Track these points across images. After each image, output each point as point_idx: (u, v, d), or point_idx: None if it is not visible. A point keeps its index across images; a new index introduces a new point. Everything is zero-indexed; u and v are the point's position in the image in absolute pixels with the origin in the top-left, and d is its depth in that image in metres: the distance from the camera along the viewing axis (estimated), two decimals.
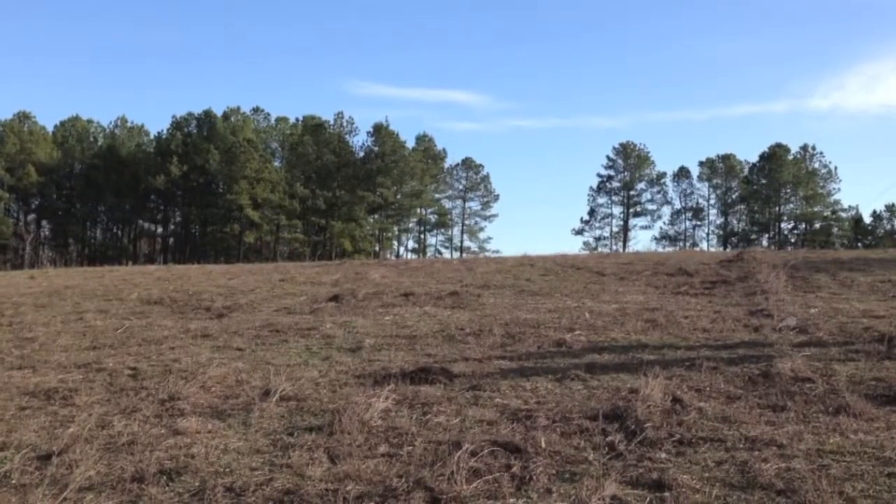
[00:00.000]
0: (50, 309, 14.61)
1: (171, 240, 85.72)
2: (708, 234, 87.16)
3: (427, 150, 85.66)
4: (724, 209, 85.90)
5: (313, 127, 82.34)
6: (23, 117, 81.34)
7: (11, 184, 75.85)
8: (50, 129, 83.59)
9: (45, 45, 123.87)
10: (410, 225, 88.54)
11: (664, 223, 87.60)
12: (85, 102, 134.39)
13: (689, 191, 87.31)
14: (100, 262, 56.74)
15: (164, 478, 4.61)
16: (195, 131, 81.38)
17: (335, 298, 13.79)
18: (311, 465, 4.76)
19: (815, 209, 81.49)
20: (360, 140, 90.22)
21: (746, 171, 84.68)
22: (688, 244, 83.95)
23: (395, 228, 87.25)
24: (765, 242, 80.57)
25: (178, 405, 6.37)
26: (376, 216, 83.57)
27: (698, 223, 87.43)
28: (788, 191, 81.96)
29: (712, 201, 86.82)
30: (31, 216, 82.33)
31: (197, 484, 4.49)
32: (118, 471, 4.75)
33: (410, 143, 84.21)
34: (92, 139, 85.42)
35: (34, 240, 78.90)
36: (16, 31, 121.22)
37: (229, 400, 6.56)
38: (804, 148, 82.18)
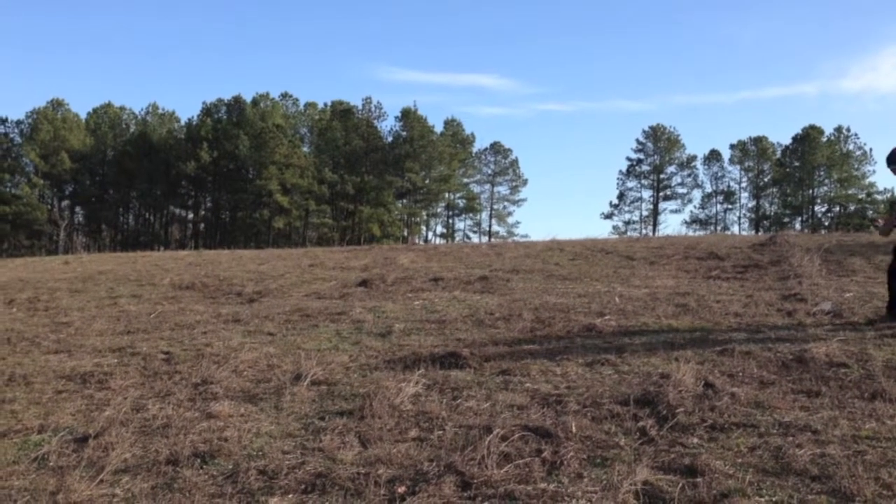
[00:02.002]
0: (84, 294, 14.83)
1: (202, 225, 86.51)
2: (739, 218, 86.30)
3: (455, 134, 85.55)
4: (756, 192, 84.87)
5: (342, 112, 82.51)
6: (56, 105, 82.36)
7: (45, 170, 76.98)
8: (83, 116, 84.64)
9: (78, 35, 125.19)
10: (439, 210, 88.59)
11: (695, 207, 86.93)
12: (117, 90, 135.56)
13: (720, 174, 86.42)
14: (132, 248, 57.46)
15: (198, 460, 4.66)
16: (225, 117, 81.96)
17: (364, 283, 13.84)
18: (343, 448, 4.79)
19: (850, 192, 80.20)
20: (388, 125, 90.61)
21: (779, 153, 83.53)
22: (719, 228, 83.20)
23: (424, 213, 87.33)
24: (798, 226, 79.56)
25: (210, 389, 6.44)
26: (405, 201, 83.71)
27: (730, 207, 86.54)
28: (822, 173, 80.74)
29: (744, 184, 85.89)
30: (65, 202, 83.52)
31: (230, 467, 4.53)
32: (153, 453, 4.82)
33: (438, 128, 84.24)
34: (124, 126, 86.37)
35: (68, 226, 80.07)
36: (49, 22, 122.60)
37: (261, 384, 6.61)
38: (838, 129, 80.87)
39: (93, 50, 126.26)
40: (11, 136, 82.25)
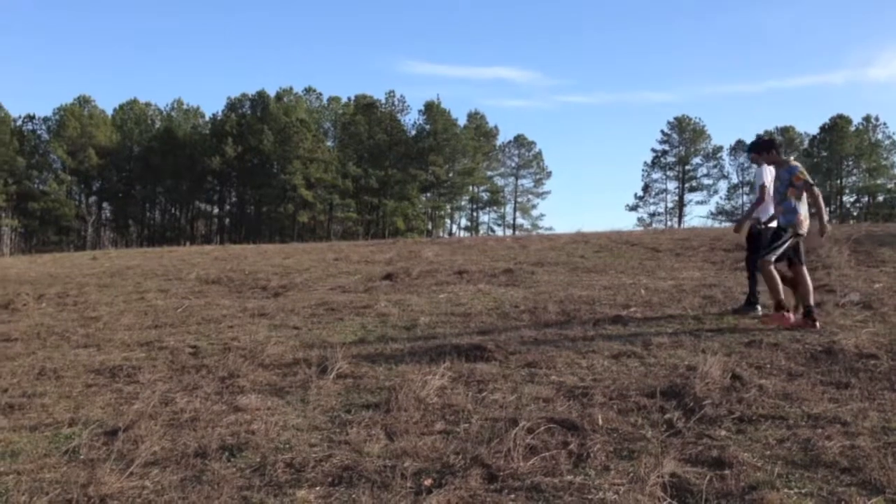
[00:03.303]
0: (112, 289, 14.98)
1: (227, 220, 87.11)
2: None
3: (479, 127, 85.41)
4: None
5: (365, 106, 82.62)
6: (83, 101, 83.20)
7: (73, 167, 77.86)
8: (109, 112, 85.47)
9: (103, 32, 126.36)
10: (463, 203, 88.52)
11: (721, 198, 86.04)
12: (142, 85, 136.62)
13: (746, 164, 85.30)
14: (159, 243, 57.93)
15: (226, 453, 4.70)
16: (249, 112, 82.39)
17: (389, 277, 13.88)
18: (369, 441, 4.81)
19: (879, 181, 79.16)
20: (411, 118, 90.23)
21: (806, 143, 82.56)
22: None
23: (448, 206, 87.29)
24: (826, 216, 78.58)
25: (237, 383, 6.48)
26: (429, 194, 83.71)
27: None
28: (850, 163, 79.76)
29: None
30: (93, 198, 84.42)
31: (258, 459, 4.56)
32: (181, 446, 4.86)
33: (462, 121, 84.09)
34: (149, 122, 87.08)
35: (95, 221, 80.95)
36: (74, 19, 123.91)
37: (287, 377, 6.65)
38: (866, 119, 79.80)
39: (118, 47, 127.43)
40: (39, 132, 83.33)
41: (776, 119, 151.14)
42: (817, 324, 7.67)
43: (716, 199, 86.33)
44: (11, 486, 4.29)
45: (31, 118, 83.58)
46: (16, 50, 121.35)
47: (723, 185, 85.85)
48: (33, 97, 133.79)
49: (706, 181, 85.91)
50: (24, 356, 8.40)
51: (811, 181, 7.96)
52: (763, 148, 8.39)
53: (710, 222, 77.81)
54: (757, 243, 8.61)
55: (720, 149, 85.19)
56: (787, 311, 7.80)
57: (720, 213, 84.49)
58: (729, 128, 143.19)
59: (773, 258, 7.93)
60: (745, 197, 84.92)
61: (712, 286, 10.66)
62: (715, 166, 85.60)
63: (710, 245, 16.76)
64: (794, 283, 8.17)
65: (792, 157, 8.27)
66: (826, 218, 8.04)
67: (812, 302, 7.90)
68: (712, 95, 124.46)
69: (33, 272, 20.07)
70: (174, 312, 11.25)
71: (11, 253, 69.27)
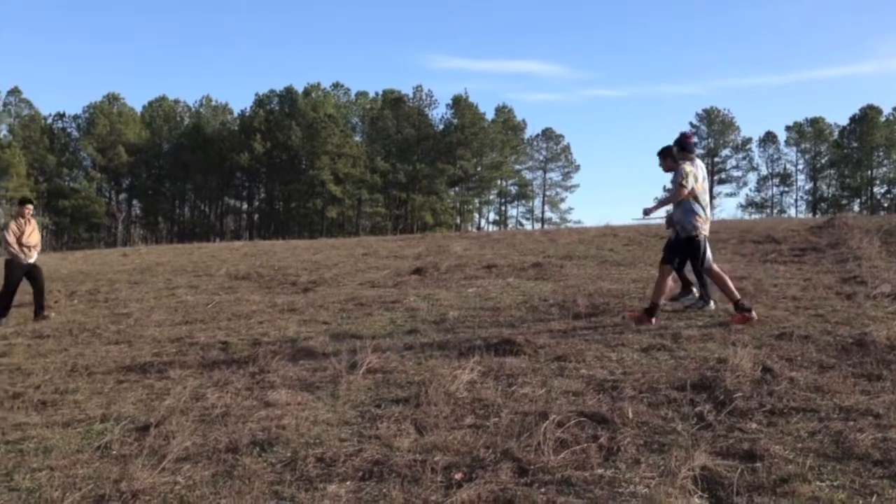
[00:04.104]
0: (143, 285, 15.15)
1: (256, 216, 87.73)
2: (796, 201, 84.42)
3: (506, 121, 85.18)
4: (813, 174, 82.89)
5: (393, 101, 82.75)
6: (112, 99, 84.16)
7: (103, 164, 78.80)
8: (138, 109, 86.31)
9: (132, 30, 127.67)
10: (491, 197, 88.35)
11: (750, 190, 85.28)
12: (170, 83, 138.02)
13: (775, 156, 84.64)
14: (188, 239, 58.54)
15: (257, 448, 4.73)
16: (277, 108, 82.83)
17: (418, 271, 13.89)
18: (399, 436, 4.81)
19: None
20: (439, 113, 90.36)
21: (836, 134, 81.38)
22: (775, 211, 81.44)
23: (476, 201, 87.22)
24: (856, 208, 77.49)
25: (267, 378, 6.53)
26: (457, 189, 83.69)
27: (786, 189, 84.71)
28: (881, 154, 78.57)
29: (800, 166, 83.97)
30: (123, 195, 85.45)
31: (289, 454, 4.59)
32: (213, 441, 4.89)
33: (490, 115, 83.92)
34: (178, 119, 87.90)
35: (126, 218, 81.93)
36: (104, 18, 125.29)
37: (317, 373, 6.68)
38: None
39: (147, 44, 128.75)
40: (69, 130, 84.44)
41: (806, 110, 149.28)
42: (653, 321, 7.79)
43: (745, 191, 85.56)
44: (45, 482, 4.35)
45: (61, 116, 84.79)
46: (46, 49, 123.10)
47: (752, 177, 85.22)
48: (63, 95, 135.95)
49: (735, 173, 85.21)
50: (57, 353, 8.52)
51: (682, 182, 7.99)
52: (665, 157, 8.44)
53: (739, 214, 76.97)
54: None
55: (749, 140, 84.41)
56: (749, 310, 7.69)
57: (750, 204, 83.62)
58: (758, 119, 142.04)
59: (709, 262, 8.04)
60: (774, 189, 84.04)
61: (742, 278, 10.54)
62: (744, 158, 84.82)
63: (739, 237, 16.59)
64: (659, 279, 8.22)
65: (686, 162, 8.22)
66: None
67: (660, 301, 7.99)
68: (741, 87, 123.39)
69: (65, 269, 20.35)
70: (204, 308, 11.35)
71: (43, 250, 70.37)
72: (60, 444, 5.10)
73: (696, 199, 8.04)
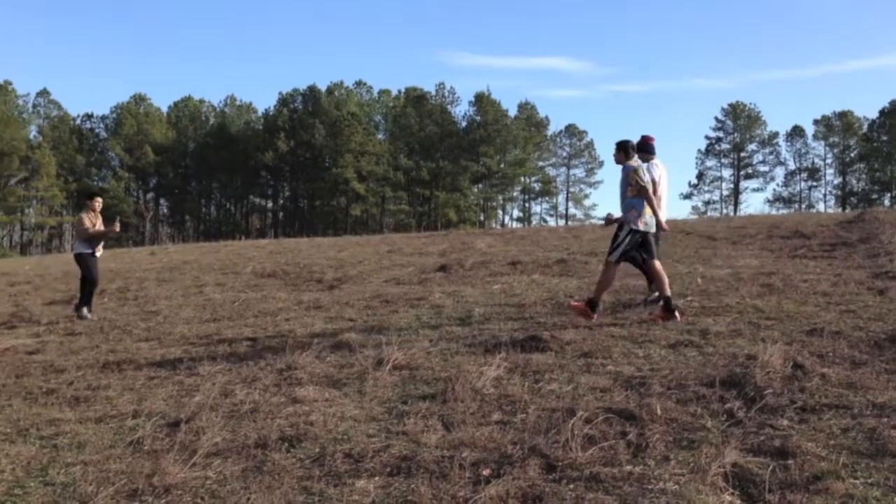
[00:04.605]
0: (171, 283, 15.30)
1: (281, 214, 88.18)
2: (825, 195, 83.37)
3: (529, 118, 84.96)
4: (842, 168, 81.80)
5: (415, 98, 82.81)
6: (139, 99, 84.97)
7: (130, 164, 79.60)
8: (164, 109, 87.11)
9: (157, 31, 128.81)
10: (514, 194, 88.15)
11: (777, 185, 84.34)
12: (196, 83, 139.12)
13: (803, 150, 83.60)
14: (214, 238, 58.91)
15: (286, 444, 4.76)
16: (301, 107, 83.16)
17: (443, 268, 13.90)
18: (426, 432, 4.82)
19: None
20: (461, 110, 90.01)
21: (865, 128, 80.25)
22: (803, 206, 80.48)
23: (500, 197, 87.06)
24: (887, 202, 76.32)
25: (295, 374, 6.56)
26: (480, 186, 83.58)
27: (814, 184, 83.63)
28: None
29: (829, 161, 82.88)
30: (150, 195, 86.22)
31: (317, 450, 4.61)
32: (242, 437, 4.93)
33: (512, 112, 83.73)
34: (203, 118, 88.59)
35: (153, 217, 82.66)
36: (130, 22, 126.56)
37: (344, 369, 6.70)
38: None
39: (172, 46, 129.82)
40: (97, 131, 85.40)
41: (834, 103, 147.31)
42: (677, 315, 7.86)
43: (772, 185, 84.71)
44: (79, 477, 4.41)
45: (89, 117, 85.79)
46: (73, 51, 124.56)
47: (780, 172, 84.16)
48: (91, 96, 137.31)
49: (762, 168, 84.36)
50: (88, 350, 8.62)
51: (642, 182, 8.11)
52: (619, 150, 8.56)
53: (767, 209, 76.22)
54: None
55: (776, 135, 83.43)
56: (594, 311, 8.10)
57: (777, 199, 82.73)
58: (785, 113, 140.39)
59: (615, 258, 8.24)
60: (802, 183, 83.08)
61: (771, 274, 10.44)
62: (771, 153, 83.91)
63: (767, 233, 16.43)
64: (649, 278, 8.53)
65: (636, 159, 8.40)
66: (662, 216, 8.43)
67: (669, 293, 8.03)
68: (767, 81, 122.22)
69: None
70: (231, 306, 11.44)
71: (72, 249, 71.24)
72: (94, 439, 5.17)
73: (642, 195, 8.14)
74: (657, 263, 8.24)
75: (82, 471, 4.52)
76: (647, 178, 8.22)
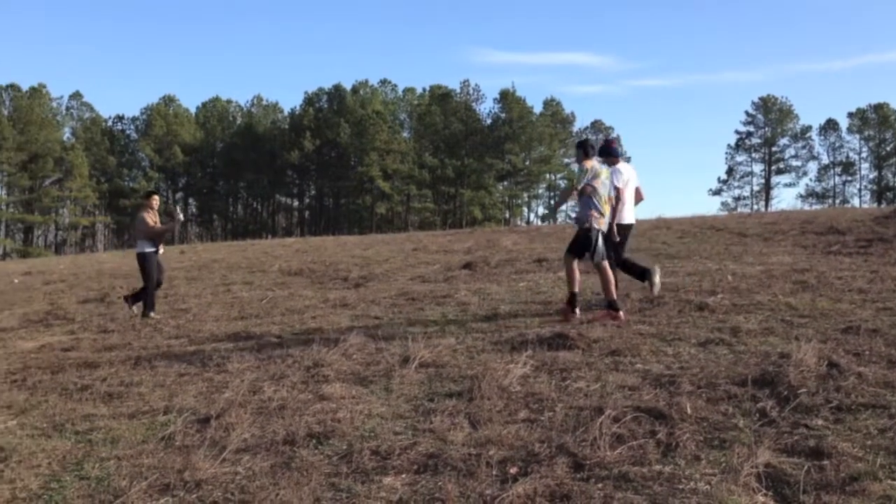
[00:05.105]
0: (200, 282, 15.43)
1: (307, 213, 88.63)
2: (860, 190, 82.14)
3: (555, 114, 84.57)
4: (878, 162, 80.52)
5: (440, 96, 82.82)
6: (168, 101, 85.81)
7: (160, 164, 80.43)
8: (192, 110, 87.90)
9: (185, 34, 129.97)
10: (540, 191, 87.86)
11: (810, 180, 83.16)
12: (223, 83, 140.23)
13: (837, 144, 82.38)
14: (242, 237, 59.37)
15: (314, 441, 4.77)
16: (326, 106, 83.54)
17: (468, 266, 13.88)
18: (453, 430, 4.80)
19: None
20: (486, 107, 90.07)
21: None
22: (837, 201, 79.31)
23: (525, 195, 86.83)
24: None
25: (322, 372, 6.57)
26: (505, 183, 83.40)
27: (849, 178, 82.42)
28: None
29: (864, 154, 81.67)
30: (179, 194, 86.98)
31: (344, 447, 4.62)
32: (270, 434, 4.95)
33: (538, 109, 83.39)
34: (231, 118, 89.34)
35: (187, 218, 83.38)
36: (159, 23, 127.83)
37: (370, 367, 6.71)
38: None
39: (199, 48, 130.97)
40: (128, 132, 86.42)
41: (869, 96, 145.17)
42: (621, 314, 8.02)
43: (805, 180, 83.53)
44: (113, 471, 4.46)
45: (120, 118, 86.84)
46: (105, 54, 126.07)
47: (812, 167, 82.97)
48: (122, 98, 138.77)
49: (794, 163, 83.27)
50: (121, 347, 8.72)
51: (590, 184, 8.26)
52: (578, 148, 8.72)
53: (799, 205, 75.31)
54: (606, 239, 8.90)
55: (809, 128, 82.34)
56: (572, 310, 8.31)
57: (810, 195, 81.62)
58: (818, 107, 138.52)
59: (599, 258, 8.31)
60: (836, 178, 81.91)
61: (804, 271, 10.30)
62: (804, 147, 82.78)
63: (800, 228, 16.21)
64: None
65: (593, 160, 8.52)
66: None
67: (614, 296, 8.18)
68: (799, 73, 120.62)
69: (126, 267, 20.80)
70: (259, 304, 11.50)
71: (105, 248, 72.19)
72: (127, 434, 5.23)
73: (595, 195, 8.28)
74: (605, 264, 8.37)
75: (116, 465, 4.57)
76: (604, 178, 8.40)
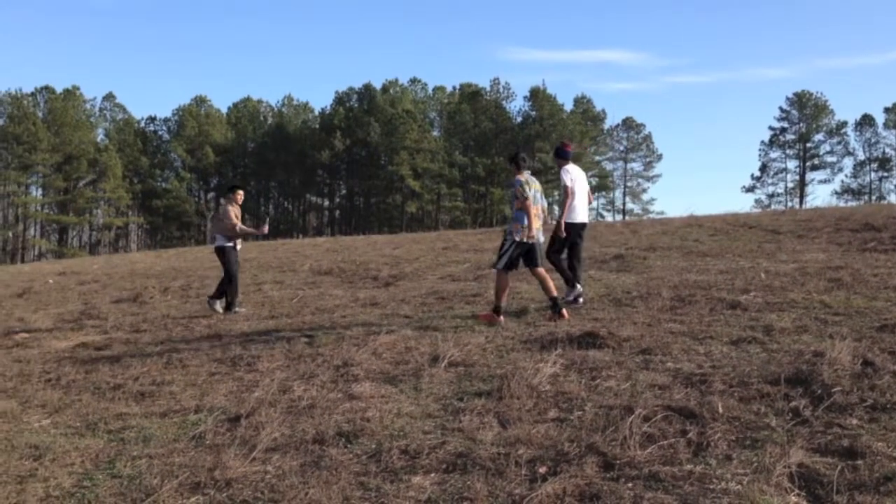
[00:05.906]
0: None
1: (338, 212, 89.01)
2: None
3: (586, 111, 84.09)
4: None
5: (470, 94, 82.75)
6: (200, 101, 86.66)
7: (192, 164, 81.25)
8: (224, 111, 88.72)
9: (216, 34, 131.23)
10: None
11: (846, 176, 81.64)
12: (254, 83, 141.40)
13: (873, 140, 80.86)
14: (272, 236, 59.68)
15: (343, 440, 4.79)
16: (356, 105, 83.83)
17: None
18: (482, 429, 4.80)
19: None
20: (517, 105, 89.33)
21: None
22: (874, 198, 77.94)
23: (556, 193, 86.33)
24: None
25: (351, 371, 6.60)
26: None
27: (885, 174, 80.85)
28: None
29: None
30: (211, 195, 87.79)
31: (373, 446, 4.63)
32: (300, 433, 4.98)
33: (568, 106, 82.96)
34: (262, 119, 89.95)
35: (214, 217, 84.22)
36: (190, 25, 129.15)
37: (400, 366, 6.72)
38: None
39: (231, 48, 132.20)
40: (160, 133, 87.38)
41: None
42: (564, 313, 8.36)
43: (840, 177, 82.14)
44: (144, 469, 4.51)
45: (152, 119, 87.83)
46: (137, 55, 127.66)
47: (848, 163, 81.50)
48: (154, 99, 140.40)
49: (829, 159, 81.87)
50: (153, 346, 8.81)
51: (525, 195, 8.54)
52: (510, 162, 9.00)
53: (835, 201, 74.18)
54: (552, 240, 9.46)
55: (844, 124, 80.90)
56: (499, 315, 8.51)
57: (846, 191, 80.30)
58: (854, 102, 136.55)
59: (502, 265, 8.64)
60: (872, 174, 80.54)
61: (839, 268, 10.13)
62: (839, 143, 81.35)
63: (835, 225, 15.95)
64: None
65: (525, 172, 8.76)
66: (537, 225, 8.70)
67: (555, 295, 8.47)
68: (834, 69, 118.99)
69: (159, 266, 21.06)
70: (289, 303, 11.57)
71: (138, 248, 73.16)
72: (158, 433, 5.29)
73: (525, 208, 8.56)
74: (541, 270, 8.68)
75: (148, 464, 4.62)
76: (534, 196, 8.68)
